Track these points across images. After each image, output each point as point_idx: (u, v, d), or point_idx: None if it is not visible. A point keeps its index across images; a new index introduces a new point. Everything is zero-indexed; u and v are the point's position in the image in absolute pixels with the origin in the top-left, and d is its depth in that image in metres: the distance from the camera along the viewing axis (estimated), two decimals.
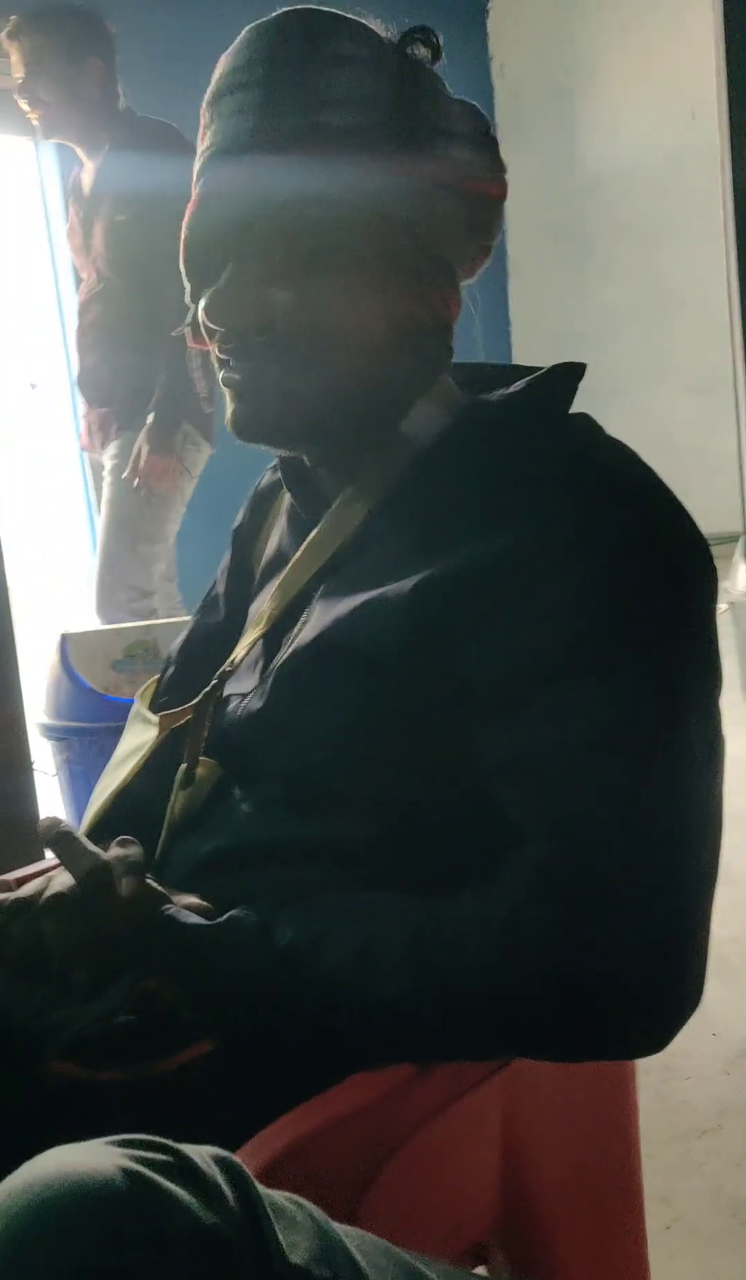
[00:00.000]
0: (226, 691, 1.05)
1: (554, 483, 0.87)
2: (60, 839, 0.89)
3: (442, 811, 0.89)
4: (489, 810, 0.86)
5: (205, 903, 0.90)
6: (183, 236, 0.94)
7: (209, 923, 0.86)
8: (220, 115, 0.91)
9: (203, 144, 0.93)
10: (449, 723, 0.87)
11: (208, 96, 0.93)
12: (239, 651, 1.05)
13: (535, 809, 0.81)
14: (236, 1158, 0.60)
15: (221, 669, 1.06)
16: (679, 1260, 1.45)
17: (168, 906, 0.88)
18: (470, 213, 0.94)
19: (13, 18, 2.95)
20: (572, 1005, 0.77)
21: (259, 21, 0.91)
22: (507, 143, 1.01)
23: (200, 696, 1.06)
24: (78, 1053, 0.84)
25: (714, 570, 0.89)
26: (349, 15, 0.92)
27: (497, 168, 0.95)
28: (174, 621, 2.53)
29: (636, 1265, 1.04)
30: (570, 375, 0.96)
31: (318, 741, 0.92)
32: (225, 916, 0.87)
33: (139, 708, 1.20)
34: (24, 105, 2.98)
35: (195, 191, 0.93)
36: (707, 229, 4.42)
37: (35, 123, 3.01)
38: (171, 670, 1.22)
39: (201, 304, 0.93)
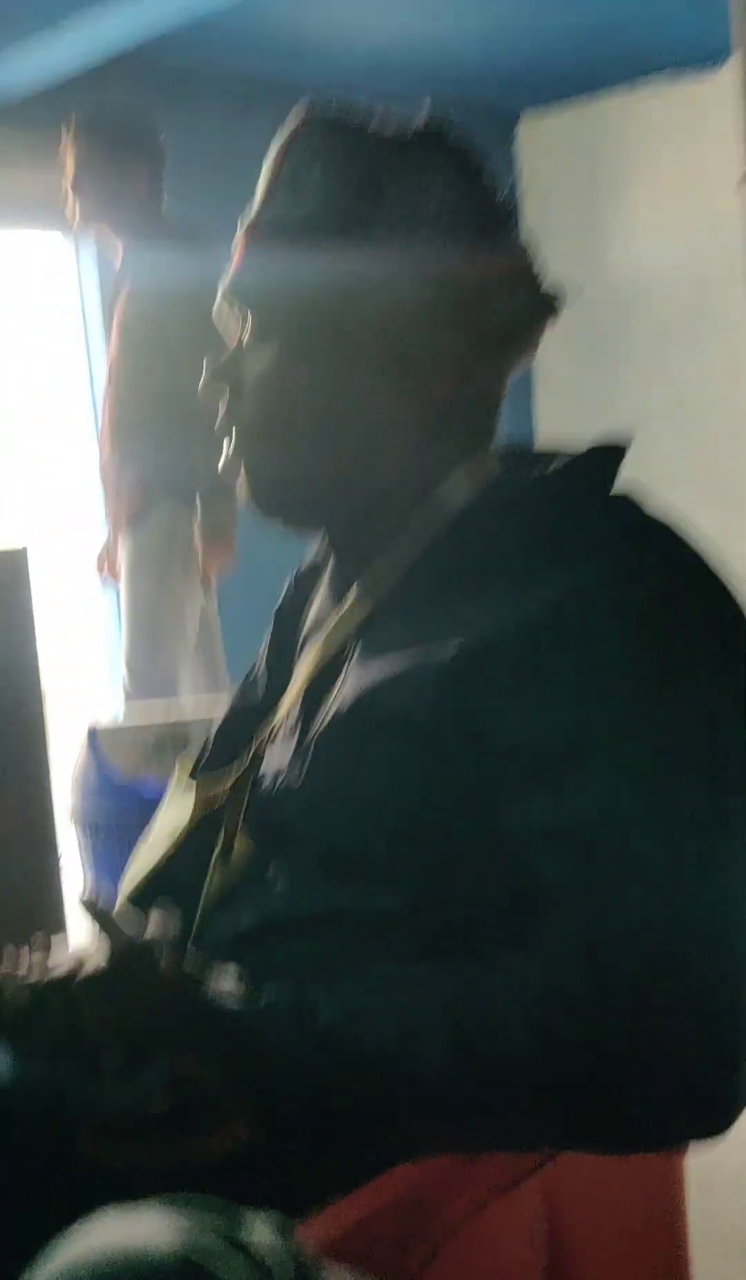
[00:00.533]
0: (265, 763, 1.05)
1: (594, 548, 0.88)
2: (102, 916, 0.88)
3: (473, 878, 0.88)
4: (519, 877, 0.85)
5: (233, 981, 0.89)
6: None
7: (246, 1005, 0.85)
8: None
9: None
10: (482, 790, 0.87)
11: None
12: (279, 715, 1.06)
13: (574, 877, 0.81)
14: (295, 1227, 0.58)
15: (259, 739, 1.06)
16: None
17: (204, 987, 0.87)
18: (471, 297, 0.96)
19: (72, 116, 3.05)
20: (616, 1085, 0.75)
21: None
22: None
23: (239, 771, 1.06)
24: (110, 1134, 0.81)
25: None
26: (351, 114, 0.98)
27: (511, 250, 0.98)
28: (205, 718, 2.52)
29: None
30: (612, 453, 0.97)
31: (351, 812, 0.92)
32: (262, 998, 0.85)
33: (180, 776, 1.20)
34: (70, 198, 3.07)
35: None
36: (733, 338, 4.48)
37: (74, 215, 3.09)
38: (212, 747, 1.22)
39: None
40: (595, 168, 5.82)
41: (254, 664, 1.25)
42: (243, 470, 1.00)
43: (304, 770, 0.96)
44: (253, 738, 1.20)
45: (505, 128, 6.36)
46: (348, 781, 0.93)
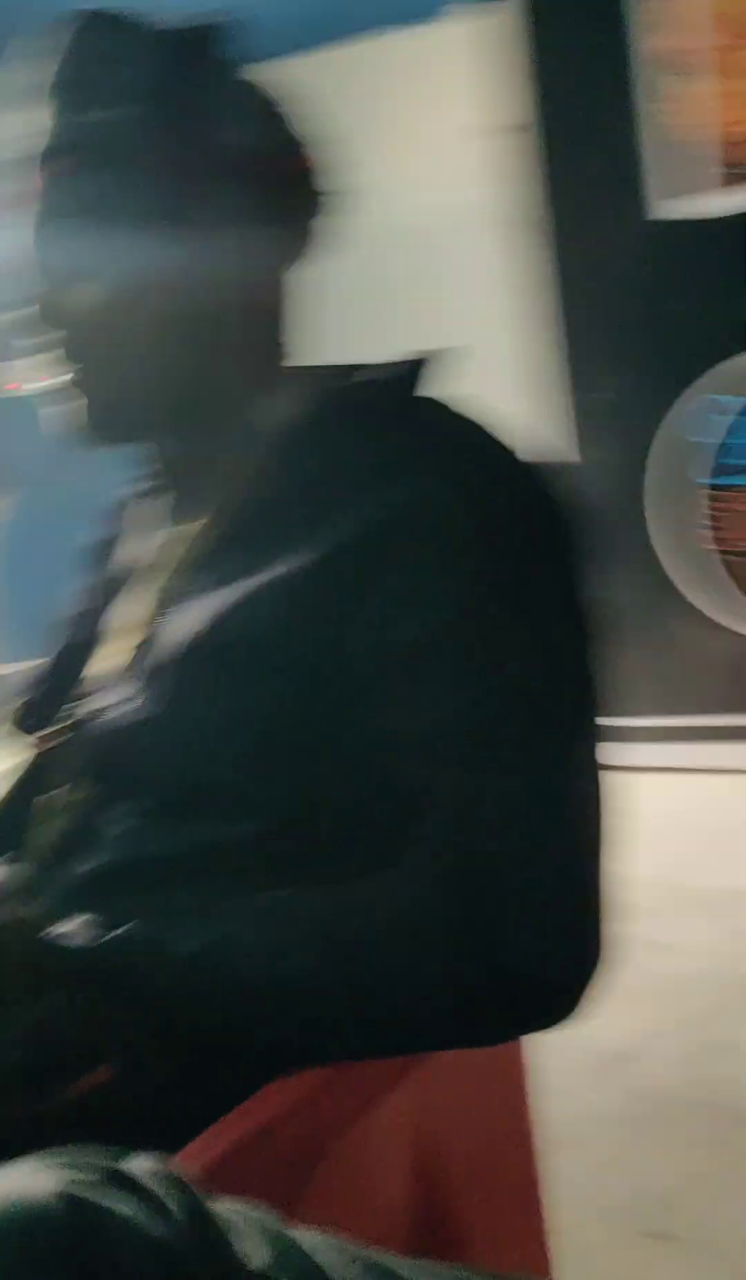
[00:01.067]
0: (99, 703, 1.01)
1: (419, 454, 0.88)
2: None
3: (333, 798, 0.88)
4: (380, 788, 0.86)
5: (82, 924, 0.87)
6: None
7: (94, 944, 0.82)
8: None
9: None
10: (337, 705, 0.87)
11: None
12: (111, 654, 1.02)
13: (431, 788, 0.82)
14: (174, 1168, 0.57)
15: (90, 681, 1.02)
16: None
17: (47, 932, 0.84)
18: (266, 195, 0.94)
19: None
20: (480, 981, 0.78)
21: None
22: None
23: (72, 717, 1.02)
24: None
25: (574, 524, 0.91)
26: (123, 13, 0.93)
27: (292, 143, 0.95)
28: None
29: (539, 1252, 1.04)
30: (417, 362, 0.97)
31: (205, 741, 0.90)
32: (111, 935, 0.83)
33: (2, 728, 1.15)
34: None
35: None
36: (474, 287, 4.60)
37: None
38: (33, 692, 1.18)
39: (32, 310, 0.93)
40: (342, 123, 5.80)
41: (69, 605, 1.20)
42: (83, 399, 0.95)
43: (150, 706, 0.93)
44: (80, 679, 1.16)
45: None
46: (199, 712, 0.91)
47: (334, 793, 0.88)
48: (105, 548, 1.16)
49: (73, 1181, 0.53)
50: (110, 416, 0.95)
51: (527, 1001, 0.80)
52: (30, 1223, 0.51)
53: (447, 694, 0.83)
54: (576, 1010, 0.80)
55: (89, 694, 1.02)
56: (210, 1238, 0.54)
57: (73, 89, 0.89)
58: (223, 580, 0.93)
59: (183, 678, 0.92)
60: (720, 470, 2.84)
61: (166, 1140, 0.76)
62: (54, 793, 1.05)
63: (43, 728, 1.12)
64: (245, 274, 0.94)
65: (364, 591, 0.85)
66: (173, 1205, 0.54)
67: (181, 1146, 0.74)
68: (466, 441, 0.90)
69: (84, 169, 0.89)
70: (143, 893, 0.90)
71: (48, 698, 1.16)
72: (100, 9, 0.92)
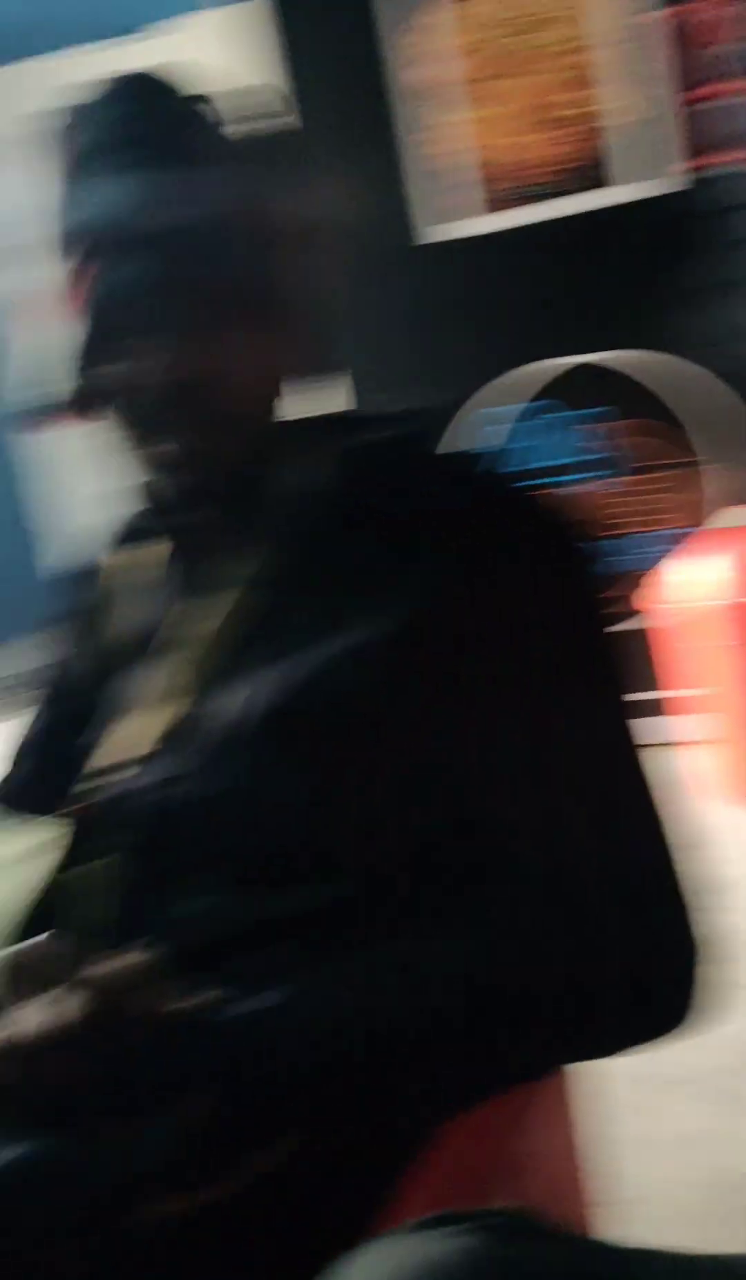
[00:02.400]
0: (130, 779, 1.00)
1: (468, 515, 0.91)
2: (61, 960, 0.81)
3: (424, 858, 0.90)
4: (466, 849, 0.89)
5: (212, 999, 0.86)
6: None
7: (237, 1015, 0.82)
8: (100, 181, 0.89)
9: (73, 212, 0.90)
10: (418, 764, 0.89)
11: (75, 161, 0.90)
12: (135, 728, 1.00)
13: (517, 831, 0.87)
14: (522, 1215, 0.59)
15: (121, 758, 1.00)
16: None
17: (180, 1011, 0.83)
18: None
19: None
20: (588, 997, 0.83)
21: (111, 84, 0.90)
22: None
23: (105, 791, 1.00)
24: (153, 1191, 0.77)
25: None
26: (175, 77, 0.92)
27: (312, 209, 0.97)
28: None
29: None
30: (428, 417, 1.01)
31: (277, 815, 0.90)
32: (253, 1004, 0.82)
33: None
34: None
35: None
36: None
37: None
38: (23, 769, 1.14)
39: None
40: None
41: (49, 676, 1.16)
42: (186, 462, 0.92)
43: (223, 780, 0.93)
44: (76, 754, 1.13)
45: None
46: (266, 782, 0.90)
47: (421, 846, 0.90)
48: (89, 619, 1.13)
49: (475, 1240, 0.54)
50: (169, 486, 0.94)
51: (646, 1002, 0.85)
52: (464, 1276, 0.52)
53: (529, 731, 0.87)
54: (693, 1009, 0.86)
55: (111, 769, 1.01)
56: (631, 1272, 0.56)
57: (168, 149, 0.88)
58: (282, 651, 0.93)
59: (260, 751, 0.91)
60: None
61: (361, 1202, 0.77)
62: (84, 869, 1.03)
63: (44, 806, 1.09)
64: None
65: (441, 651, 0.88)
66: (561, 1244, 0.57)
67: (376, 1204, 0.75)
68: (508, 496, 0.94)
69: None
70: (237, 965, 0.90)
71: (37, 776, 1.13)
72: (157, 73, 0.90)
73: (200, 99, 0.90)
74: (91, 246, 0.89)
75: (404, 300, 2.92)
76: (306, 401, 0.98)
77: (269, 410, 0.95)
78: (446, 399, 2.94)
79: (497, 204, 2.77)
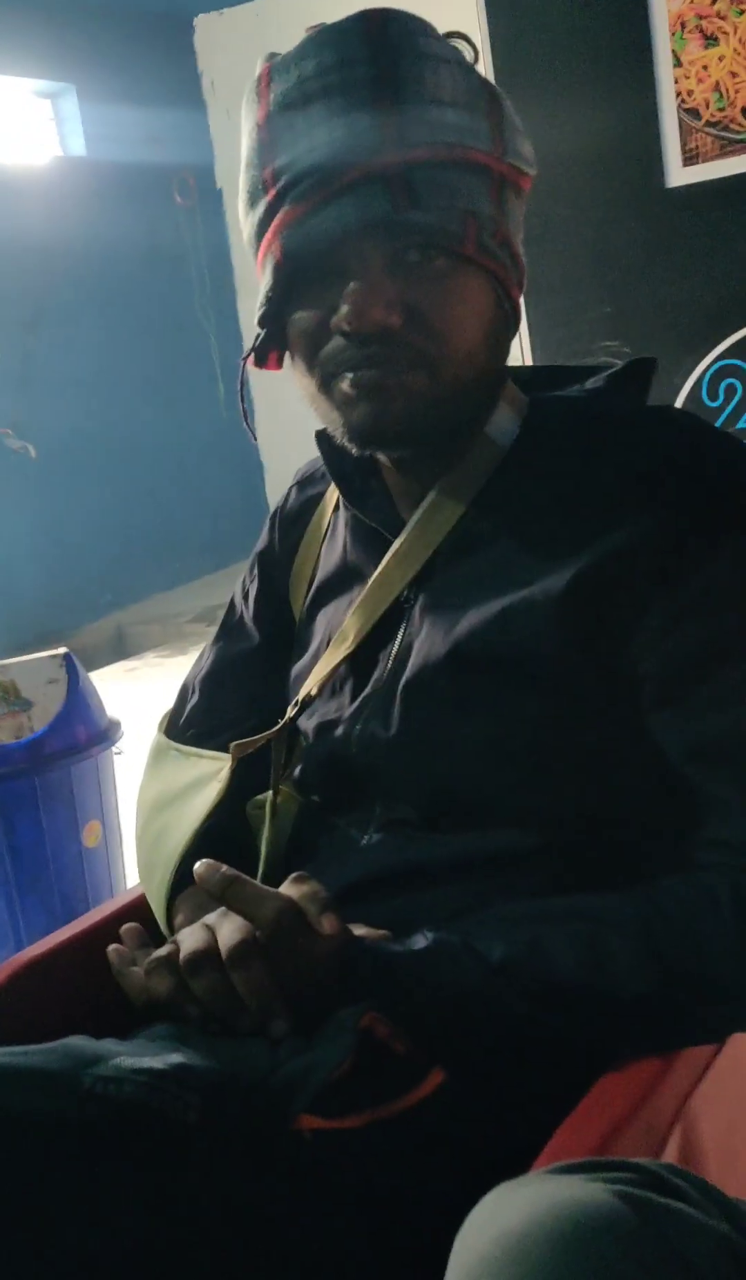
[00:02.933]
0: (313, 714, 1.02)
1: (680, 468, 0.89)
2: (233, 883, 0.84)
3: (605, 808, 0.89)
4: (657, 801, 0.87)
5: (384, 931, 0.88)
6: (292, 248, 0.89)
7: (414, 948, 0.84)
8: (312, 121, 0.87)
9: (278, 155, 0.88)
10: (609, 721, 0.88)
11: (276, 106, 0.88)
12: (319, 673, 1.02)
13: (729, 788, 0.84)
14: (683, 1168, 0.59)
15: (304, 693, 1.03)
16: None
17: (360, 939, 0.85)
18: (523, 208, 0.95)
19: None
20: None
21: (331, 24, 0.87)
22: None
23: (282, 723, 1.03)
24: (318, 1105, 0.79)
25: None
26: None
27: (532, 162, 0.96)
28: (28, 659, 2.40)
29: None
30: (644, 365, 0.98)
31: (463, 758, 0.91)
32: (428, 939, 0.84)
33: (165, 742, 1.15)
34: None
35: (283, 202, 0.89)
36: None
37: None
38: (196, 699, 1.18)
39: (345, 308, 0.88)
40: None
41: (229, 609, 1.20)
42: (403, 399, 0.90)
43: (397, 716, 0.94)
44: (248, 688, 1.16)
45: (183, 29, 6.18)
46: (454, 725, 0.91)
47: (601, 804, 0.89)
48: (282, 556, 1.15)
49: (624, 1186, 0.55)
50: (383, 422, 0.91)
51: None
52: (603, 1227, 0.52)
53: (741, 696, 0.85)
54: None
55: (301, 704, 1.03)
56: None
57: (417, 86, 0.86)
58: (462, 591, 0.93)
59: (436, 693, 0.92)
60: None
61: (500, 1144, 0.78)
62: (268, 803, 1.06)
63: (207, 739, 1.12)
64: (515, 288, 0.94)
65: (644, 606, 0.86)
66: (713, 1203, 0.56)
67: (529, 1147, 0.76)
68: (714, 448, 0.91)
69: (442, 166, 0.86)
70: (404, 902, 0.92)
71: (209, 707, 1.17)
72: (404, 12, 0.88)
73: (424, 38, 0.88)
74: (307, 185, 0.87)
75: (653, 246, 2.84)
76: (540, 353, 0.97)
77: (475, 359, 0.93)
78: (686, 350, 2.86)
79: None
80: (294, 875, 0.87)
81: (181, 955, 0.84)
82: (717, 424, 2.85)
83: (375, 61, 0.85)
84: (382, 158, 0.85)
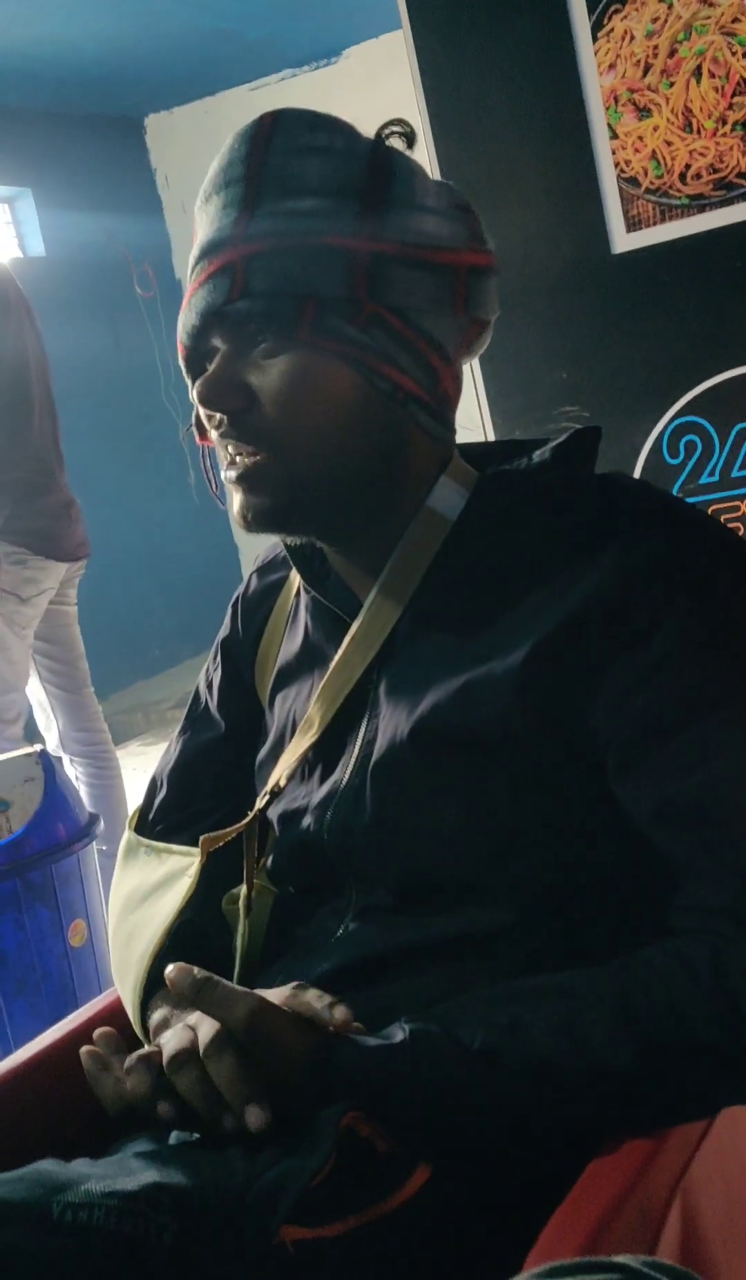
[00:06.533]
0: (281, 804, 1.01)
1: (622, 534, 0.89)
2: (204, 986, 0.83)
3: (579, 880, 0.88)
4: (631, 869, 0.86)
5: (359, 1025, 0.86)
6: (178, 335, 0.95)
7: (393, 1041, 0.82)
8: (206, 215, 0.92)
9: (194, 245, 0.94)
10: (577, 791, 0.87)
11: (197, 202, 0.94)
12: (287, 761, 1.01)
13: (700, 853, 0.82)
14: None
15: (272, 783, 1.01)
16: None
17: (336, 1036, 0.83)
18: (452, 286, 0.94)
19: None
20: None
21: (241, 127, 0.93)
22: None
23: (251, 814, 1.02)
24: (300, 1213, 0.77)
25: None
26: (321, 112, 0.93)
27: (477, 240, 0.96)
28: (3, 758, 2.37)
29: None
30: (587, 437, 0.98)
31: (439, 839, 0.89)
32: (406, 1031, 0.82)
33: (135, 839, 1.14)
34: None
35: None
36: None
37: None
38: (164, 793, 1.16)
39: (193, 392, 0.93)
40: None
41: (194, 699, 1.19)
42: (259, 481, 0.93)
43: (367, 800, 0.93)
44: (218, 779, 1.15)
45: (134, 130, 6.31)
46: (422, 805, 0.90)
47: (573, 875, 0.88)
48: (245, 643, 1.15)
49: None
50: (264, 508, 0.94)
51: None
52: None
53: (703, 757, 0.84)
54: None
55: (270, 795, 1.01)
56: None
57: (276, 180, 0.90)
58: (428, 673, 0.93)
59: (404, 774, 0.91)
60: None
61: (501, 1239, 0.76)
62: (241, 897, 1.05)
63: (175, 833, 1.11)
64: (433, 362, 0.94)
65: (601, 673, 0.86)
66: None
67: (520, 1242, 0.73)
68: (660, 511, 0.91)
69: (281, 254, 0.89)
70: (384, 990, 0.90)
71: (179, 801, 1.15)
72: (300, 109, 0.92)
73: (329, 134, 0.92)
74: (190, 278, 0.93)
75: (603, 311, 2.88)
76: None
77: (328, 438, 0.93)
78: (643, 410, 2.88)
79: (691, 210, 2.70)
80: (293, 985, 0.86)
81: (165, 1054, 0.83)
82: (679, 480, 2.87)
83: (248, 160, 0.90)
84: (230, 250, 0.89)
